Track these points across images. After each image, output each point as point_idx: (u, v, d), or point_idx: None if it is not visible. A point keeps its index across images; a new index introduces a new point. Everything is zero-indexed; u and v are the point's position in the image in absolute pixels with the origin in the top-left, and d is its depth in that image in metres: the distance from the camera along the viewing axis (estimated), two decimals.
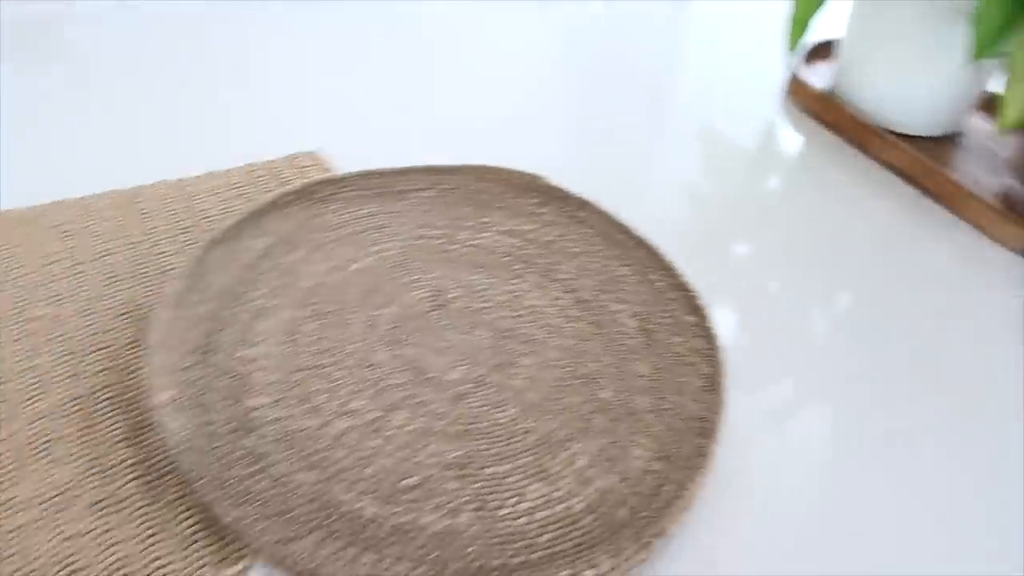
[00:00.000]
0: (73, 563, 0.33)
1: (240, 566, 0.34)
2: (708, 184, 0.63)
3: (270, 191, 0.54)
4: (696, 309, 0.47)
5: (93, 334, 0.43)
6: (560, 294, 0.49)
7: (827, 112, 0.70)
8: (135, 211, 0.51)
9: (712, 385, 0.43)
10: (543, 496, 0.38)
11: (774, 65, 0.81)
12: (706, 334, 0.46)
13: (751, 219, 0.60)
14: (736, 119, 0.72)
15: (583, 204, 0.54)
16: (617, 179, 0.62)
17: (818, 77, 0.75)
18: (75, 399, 0.40)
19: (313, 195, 0.52)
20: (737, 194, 0.62)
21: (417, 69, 0.72)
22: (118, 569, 0.33)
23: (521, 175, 0.55)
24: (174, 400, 0.38)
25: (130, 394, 0.40)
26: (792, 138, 0.70)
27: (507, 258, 0.51)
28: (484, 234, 0.52)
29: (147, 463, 0.38)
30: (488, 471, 0.38)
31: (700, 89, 0.76)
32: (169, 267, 0.48)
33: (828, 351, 0.49)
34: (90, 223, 0.50)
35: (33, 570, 0.33)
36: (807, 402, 0.46)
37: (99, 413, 0.39)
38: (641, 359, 0.45)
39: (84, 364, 0.42)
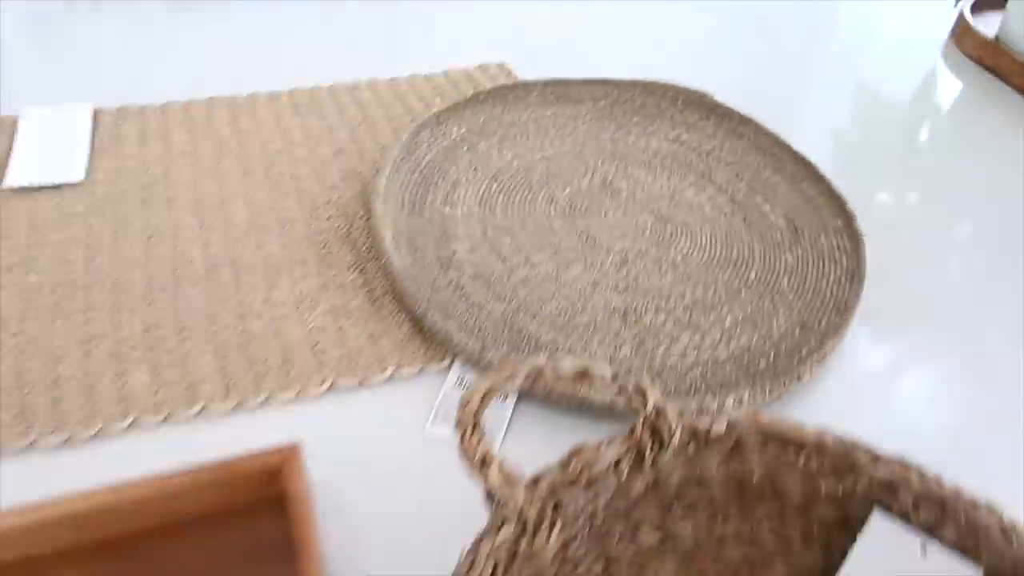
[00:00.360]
0: (317, 346, 0.43)
1: (445, 363, 0.43)
2: (867, 121, 0.66)
3: (465, 93, 0.62)
4: (844, 214, 0.51)
5: (325, 189, 0.53)
6: (715, 193, 0.54)
7: (992, 58, 0.71)
8: (355, 100, 0.61)
9: (853, 276, 0.48)
10: (693, 344, 0.44)
11: (938, 13, 0.82)
12: (852, 235, 0.50)
13: (908, 158, 0.62)
14: (898, 62, 0.74)
15: (744, 120, 0.59)
16: (776, 107, 0.66)
17: (984, 25, 0.75)
18: (316, 233, 0.49)
19: (503, 96, 0.59)
20: (897, 134, 0.65)
21: None
22: (352, 358, 0.43)
23: (688, 91, 0.60)
24: (394, 239, 0.47)
25: (355, 235, 0.50)
26: (954, 83, 0.72)
27: (669, 160, 0.56)
28: (650, 139, 0.58)
29: (370, 286, 0.47)
30: (647, 319, 0.45)
31: (864, 32, 0.78)
32: (384, 145, 0.57)
33: (968, 287, 0.52)
34: (319, 107, 0.60)
35: (290, 347, 0.43)
36: (938, 317, 0.49)
37: (332, 245, 0.49)
38: (788, 251, 0.50)
39: (320, 210, 0.51)
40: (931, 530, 0.31)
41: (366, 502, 0.37)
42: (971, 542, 0.31)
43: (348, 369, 0.42)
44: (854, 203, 0.52)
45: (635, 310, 0.45)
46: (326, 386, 0.41)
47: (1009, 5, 0.72)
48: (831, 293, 0.47)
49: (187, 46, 0.68)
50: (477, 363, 0.42)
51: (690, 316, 0.45)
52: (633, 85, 0.61)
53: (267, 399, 0.40)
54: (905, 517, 0.32)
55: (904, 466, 0.32)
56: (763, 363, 0.43)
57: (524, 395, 0.42)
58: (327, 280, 0.47)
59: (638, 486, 0.34)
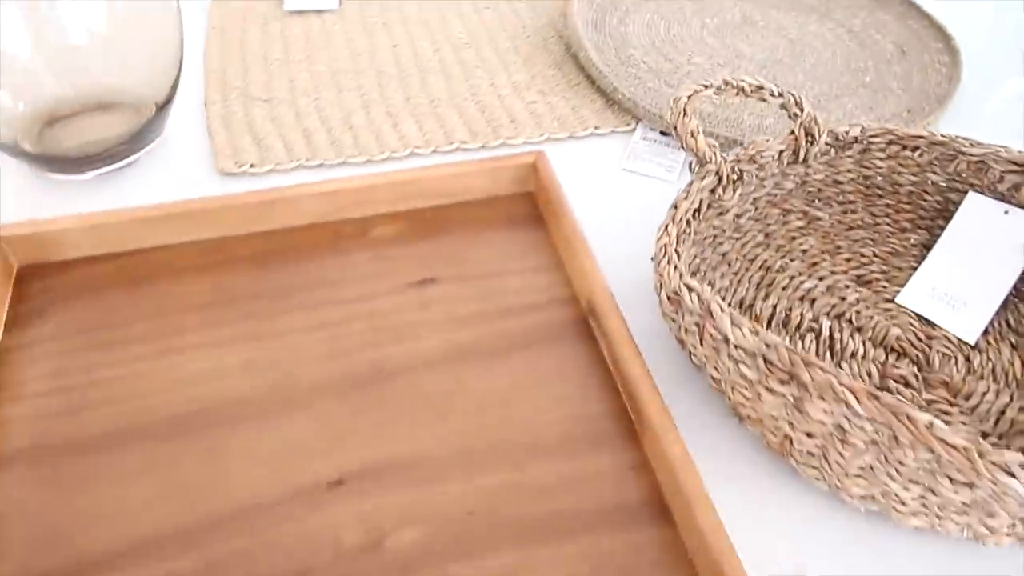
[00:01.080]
0: (534, 112, 0.57)
1: (630, 127, 0.56)
2: None
3: None
4: (944, 38, 0.63)
5: (521, 18, 0.67)
6: (834, 26, 0.66)
7: None
8: None
9: (951, 79, 0.59)
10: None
11: None
12: (951, 52, 0.62)
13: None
14: None
15: None
16: None
17: None
18: (518, 45, 0.64)
19: None
20: None
21: None
22: (560, 120, 0.57)
23: None
24: (588, 39, 0.61)
25: (550, 46, 0.64)
26: None
27: (794, 3, 0.69)
28: None
29: (567, 77, 0.60)
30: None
31: None
32: None
33: None
34: None
35: (514, 113, 0.57)
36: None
37: (532, 52, 0.63)
38: (896, 64, 0.62)
39: (519, 30, 0.65)
40: (1013, 193, 0.43)
41: (579, 209, 0.51)
42: None
43: (559, 127, 0.56)
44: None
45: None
46: (544, 137, 0.55)
47: None
48: (933, 92, 0.59)
49: None
50: (656, 127, 0.55)
51: (819, 102, 0.58)
52: None
53: (503, 143, 0.55)
54: (992, 189, 0.44)
55: (994, 147, 0.44)
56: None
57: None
58: (534, 73, 0.61)
59: (790, 183, 0.47)
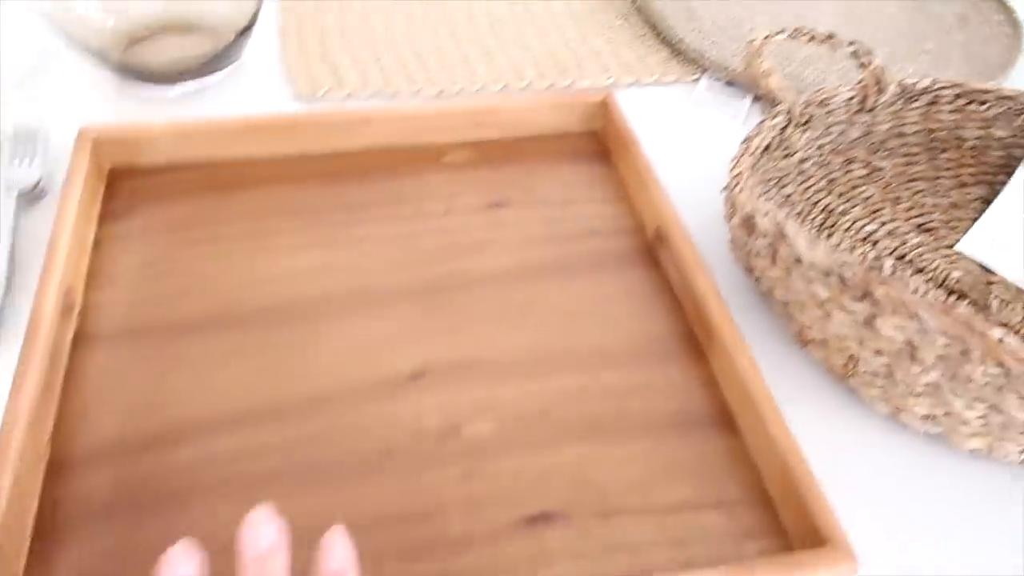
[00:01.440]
0: (602, 60, 0.58)
1: (695, 78, 0.57)
2: None
3: None
4: (1007, 11, 0.64)
5: None
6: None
7: None
8: None
9: (1012, 48, 0.60)
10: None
11: None
12: (1012, 23, 0.62)
13: None
14: None
15: None
16: None
17: None
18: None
19: None
20: None
21: None
22: (628, 67, 0.58)
23: None
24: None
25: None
26: None
27: None
28: None
29: (634, 29, 0.62)
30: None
31: None
32: None
33: None
34: None
35: (581, 60, 0.58)
36: None
37: (598, 7, 0.64)
38: (958, 32, 0.63)
39: None
40: None
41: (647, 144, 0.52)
42: None
43: (625, 73, 0.57)
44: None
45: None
46: (611, 81, 0.57)
47: None
48: (994, 61, 0.60)
49: None
50: (720, 77, 0.56)
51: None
52: None
53: (571, 83, 0.56)
54: None
55: None
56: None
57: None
58: (601, 23, 0.62)
59: (855, 131, 0.48)
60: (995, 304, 0.43)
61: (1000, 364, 0.31)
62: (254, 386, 0.37)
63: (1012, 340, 0.31)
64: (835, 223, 0.47)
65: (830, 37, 0.46)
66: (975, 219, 0.47)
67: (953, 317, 0.32)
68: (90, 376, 0.37)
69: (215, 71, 0.54)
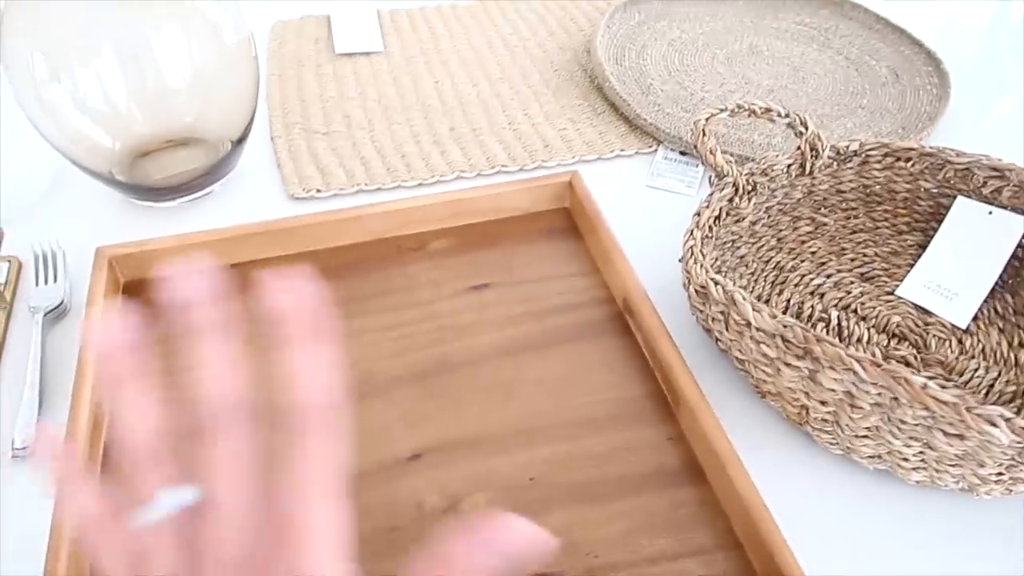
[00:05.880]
0: (565, 137, 0.63)
1: (652, 149, 0.63)
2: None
3: None
4: (934, 62, 0.69)
5: (548, 54, 0.74)
6: (833, 54, 0.73)
7: None
8: (549, 2, 0.82)
9: (940, 98, 0.65)
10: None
11: None
12: (940, 75, 0.68)
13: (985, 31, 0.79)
14: None
15: (854, 6, 0.77)
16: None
17: None
18: (548, 79, 0.70)
19: None
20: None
21: None
22: (589, 144, 0.63)
23: None
24: (611, 73, 0.67)
25: (576, 79, 0.70)
26: None
27: (797, 34, 0.75)
28: (781, 22, 0.77)
29: (593, 106, 0.67)
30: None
31: None
32: (583, 29, 0.77)
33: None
34: (528, 8, 0.81)
35: (547, 139, 0.63)
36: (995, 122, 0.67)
37: (560, 85, 0.70)
38: (891, 87, 0.68)
39: (548, 65, 0.72)
40: (995, 196, 0.49)
41: (609, 222, 0.57)
42: (1021, 199, 0.48)
43: (588, 150, 0.63)
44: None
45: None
46: (575, 159, 0.62)
47: None
48: (925, 111, 0.65)
49: None
50: (675, 147, 0.62)
51: (821, 122, 0.64)
52: None
53: (539, 165, 0.61)
54: (978, 193, 0.50)
55: (977, 156, 0.50)
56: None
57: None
58: (563, 104, 0.68)
59: (798, 192, 0.53)
60: (933, 343, 0.48)
61: (926, 407, 0.36)
62: None
63: (933, 386, 0.35)
64: (785, 279, 0.52)
65: (767, 111, 0.51)
66: (912, 264, 0.52)
67: (881, 369, 0.36)
68: None
69: (215, 181, 0.59)
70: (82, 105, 0.53)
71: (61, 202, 0.60)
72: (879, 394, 0.37)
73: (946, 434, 0.36)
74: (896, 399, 0.36)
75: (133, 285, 0.51)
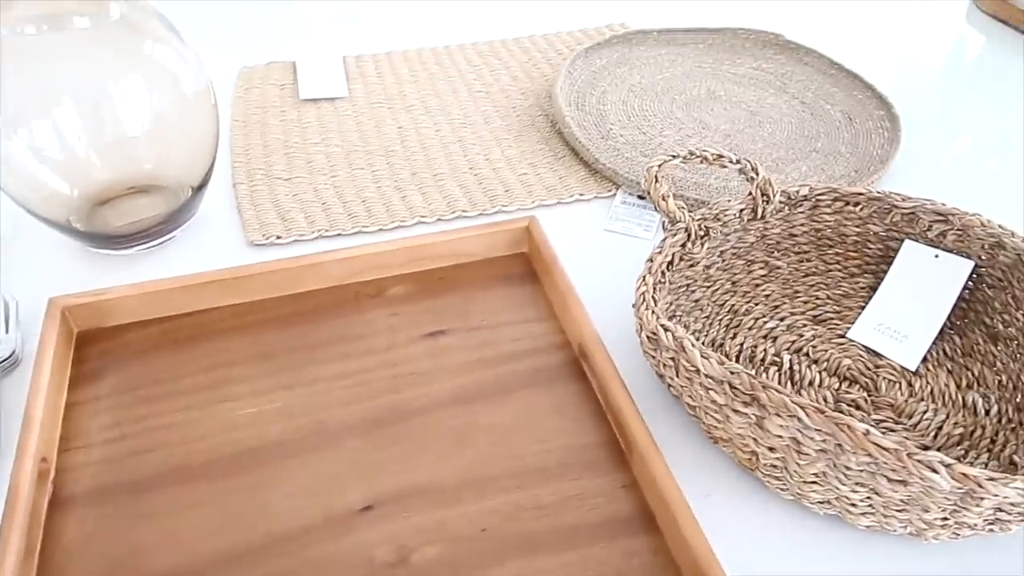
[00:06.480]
0: (526, 182, 0.64)
1: (611, 193, 0.63)
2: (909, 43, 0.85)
3: (596, 41, 0.84)
4: (885, 106, 0.71)
5: (511, 99, 0.75)
6: (789, 99, 0.74)
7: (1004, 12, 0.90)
8: (519, 47, 0.83)
9: (892, 141, 0.67)
10: (778, 183, 0.64)
11: None
12: (891, 118, 0.70)
13: (935, 74, 0.82)
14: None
15: (808, 52, 0.79)
16: (836, 44, 0.86)
17: None
18: (510, 124, 0.71)
19: (628, 40, 0.81)
20: (931, 73, 0.84)
21: None
22: (549, 188, 0.64)
23: (766, 33, 0.81)
24: (571, 118, 0.68)
25: (538, 124, 0.71)
26: (975, 36, 0.91)
27: (753, 79, 0.77)
28: (739, 67, 0.79)
29: (554, 151, 0.68)
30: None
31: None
32: (545, 74, 0.79)
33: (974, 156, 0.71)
34: (494, 53, 0.82)
35: (508, 183, 0.64)
36: (948, 164, 0.68)
37: (523, 130, 0.71)
38: (844, 130, 0.70)
39: (510, 111, 0.73)
40: (940, 239, 0.50)
41: (568, 266, 0.57)
42: (965, 243, 0.49)
43: (548, 194, 0.63)
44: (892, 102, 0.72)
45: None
46: (535, 203, 0.62)
47: None
48: (876, 154, 0.67)
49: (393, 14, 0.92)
50: (633, 192, 0.62)
51: (776, 165, 0.65)
52: (723, 31, 0.82)
53: (499, 210, 0.62)
54: (924, 236, 0.51)
55: (922, 200, 0.51)
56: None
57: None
58: (524, 149, 0.68)
59: (751, 237, 0.54)
60: (884, 385, 0.48)
61: (868, 453, 0.36)
62: (216, 534, 0.40)
63: (875, 432, 0.36)
64: (739, 323, 0.52)
65: (719, 157, 0.52)
66: (863, 306, 0.53)
67: (824, 416, 0.36)
68: (66, 538, 0.40)
69: (175, 228, 0.59)
70: (39, 154, 0.53)
71: (18, 250, 0.59)
72: (824, 440, 0.37)
73: (889, 480, 0.36)
74: (840, 445, 0.37)
75: (88, 335, 0.51)
